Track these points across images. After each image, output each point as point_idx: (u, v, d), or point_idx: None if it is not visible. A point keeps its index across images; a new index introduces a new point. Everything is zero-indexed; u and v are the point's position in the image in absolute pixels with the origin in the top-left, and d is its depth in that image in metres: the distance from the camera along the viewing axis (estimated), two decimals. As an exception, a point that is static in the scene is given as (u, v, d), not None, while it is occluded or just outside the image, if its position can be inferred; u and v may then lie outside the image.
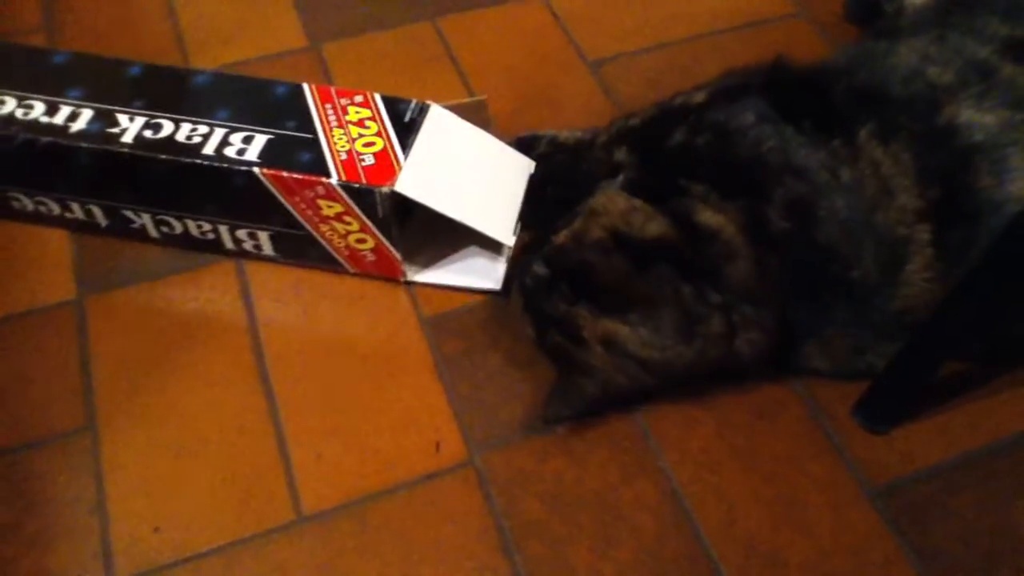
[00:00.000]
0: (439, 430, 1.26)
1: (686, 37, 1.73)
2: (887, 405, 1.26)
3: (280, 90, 1.43)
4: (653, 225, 1.16)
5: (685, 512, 1.19)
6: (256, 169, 1.31)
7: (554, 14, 1.79)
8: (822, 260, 1.16)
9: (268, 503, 1.19)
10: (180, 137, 1.35)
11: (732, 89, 1.26)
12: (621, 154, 1.28)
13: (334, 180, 1.29)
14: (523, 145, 1.42)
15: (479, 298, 1.39)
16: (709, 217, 1.14)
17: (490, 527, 1.17)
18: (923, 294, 1.15)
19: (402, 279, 1.42)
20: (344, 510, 1.19)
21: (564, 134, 1.44)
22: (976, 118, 1.15)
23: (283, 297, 1.39)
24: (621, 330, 1.17)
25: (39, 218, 1.47)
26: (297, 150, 1.33)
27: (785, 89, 1.23)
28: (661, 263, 1.15)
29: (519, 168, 1.43)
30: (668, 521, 1.18)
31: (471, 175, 1.37)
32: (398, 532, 1.17)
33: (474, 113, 1.45)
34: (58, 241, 1.45)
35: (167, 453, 1.23)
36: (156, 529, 1.16)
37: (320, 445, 1.24)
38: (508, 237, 1.34)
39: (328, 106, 1.39)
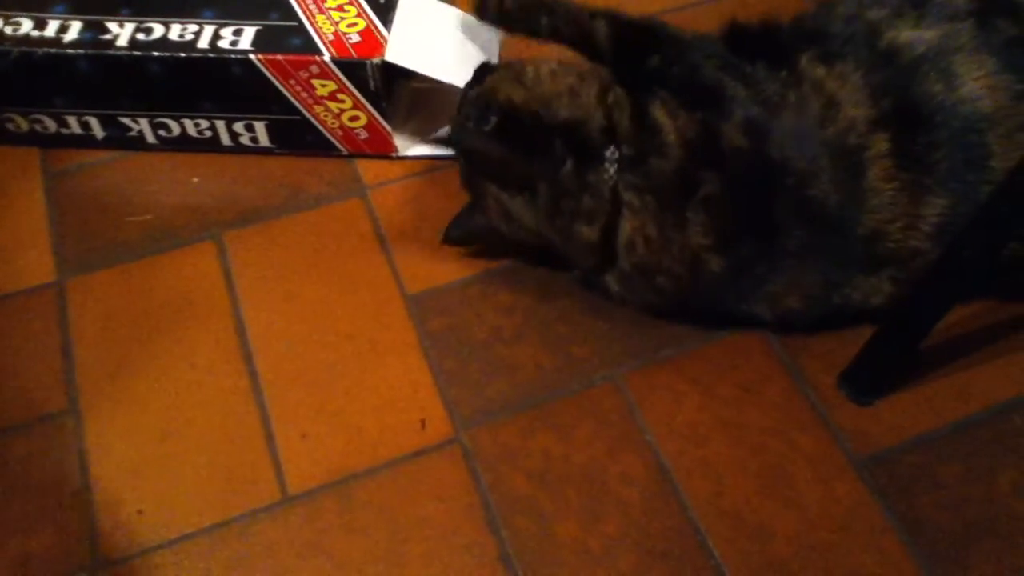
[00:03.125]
0: (424, 407, 1.14)
1: (671, 7, 1.52)
2: (872, 376, 1.14)
3: None
4: (562, 109, 1.10)
5: (672, 485, 1.07)
6: (252, 56, 1.23)
7: None
8: (776, 176, 1.06)
9: (253, 483, 1.07)
10: (173, 36, 1.25)
11: (713, 40, 1.16)
12: (601, 31, 1.15)
13: (327, 57, 1.22)
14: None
15: (464, 274, 1.25)
16: (661, 115, 1.06)
17: (476, 504, 1.06)
18: (891, 209, 1.05)
19: (394, 154, 1.34)
20: (329, 489, 1.07)
21: None
22: (916, 35, 1.08)
23: (265, 276, 1.25)
24: (502, 195, 1.14)
25: (35, 138, 1.34)
26: (286, 36, 1.25)
27: (743, 38, 1.15)
28: (553, 141, 1.09)
29: (486, 37, 1.35)
30: (655, 495, 1.07)
31: (447, 44, 1.31)
32: (384, 510, 1.06)
33: None
34: (37, 222, 1.30)
35: (151, 435, 1.11)
36: (140, 512, 1.05)
37: (305, 424, 1.12)
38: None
39: None
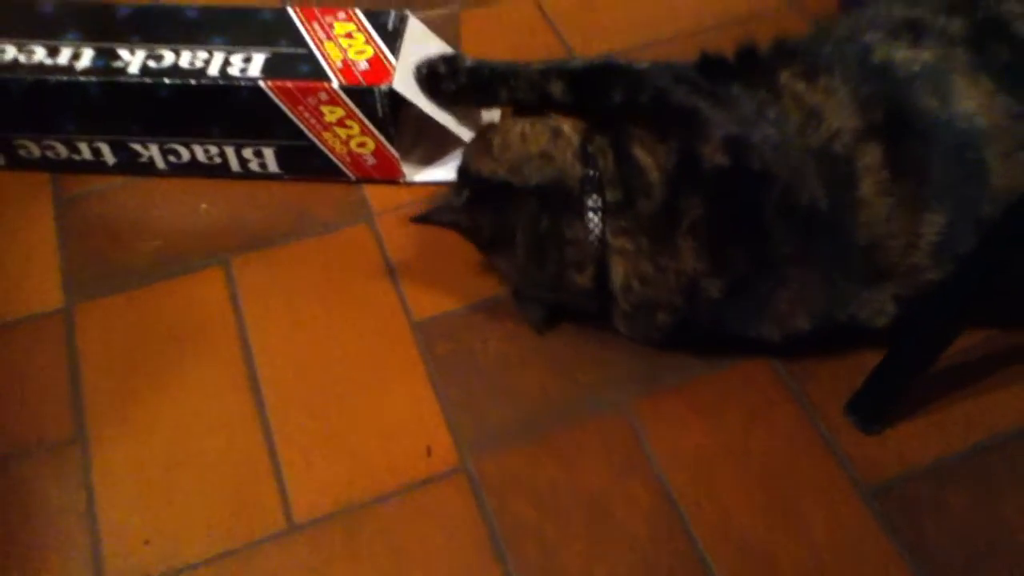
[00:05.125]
0: (430, 435, 1.11)
1: (673, 34, 1.53)
2: (879, 404, 1.11)
3: (266, 15, 1.32)
4: (537, 174, 1.08)
5: (678, 514, 1.05)
6: (261, 82, 1.22)
7: (543, 11, 1.59)
8: (762, 189, 1.04)
9: (259, 512, 1.05)
10: (183, 63, 1.25)
11: (674, 65, 1.15)
12: (557, 89, 1.13)
13: (335, 84, 1.21)
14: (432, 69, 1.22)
15: (469, 300, 1.23)
16: (641, 154, 1.04)
17: (482, 532, 1.04)
18: (887, 219, 1.03)
19: (401, 180, 1.32)
20: (335, 518, 1.05)
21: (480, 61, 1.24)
22: (912, 54, 1.07)
23: (272, 302, 1.23)
24: (496, 260, 1.16)
25: (46, 164, 1.33)
26: (295, 64, 1.24)
27: (716, 64, 1.14)
28: (525, 202, 1.08)
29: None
30: (661, 523, 1.04)
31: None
32: (390, 539, 1.03)
33: (446, 24, 1.46)
34: (46, 248, 1.27)
35: (157, 463, 1.09)
36: (146, 541, 1.03)
37: (311, 452, 1.10)
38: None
39: (315, 24, 1.30)
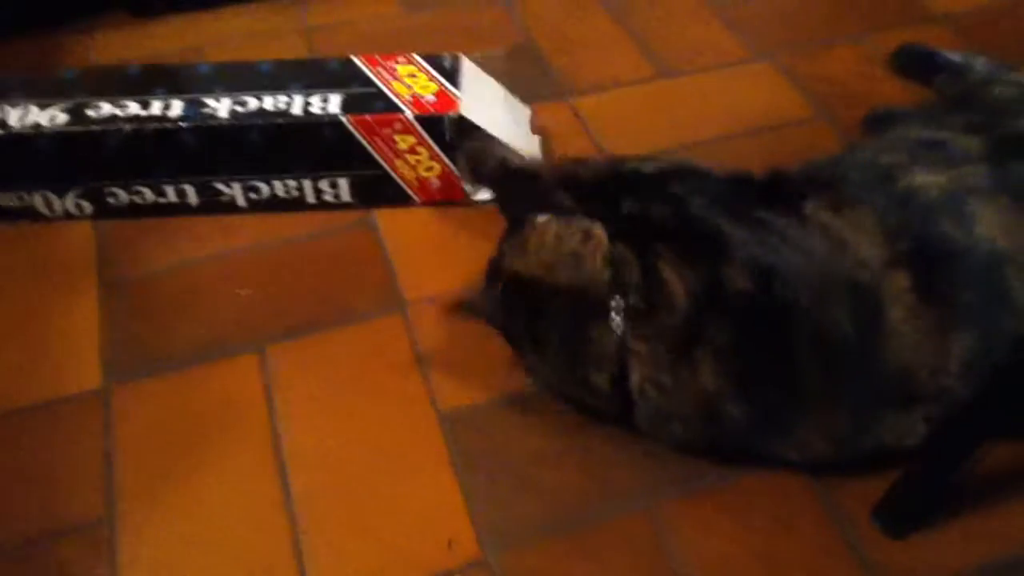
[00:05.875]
0: (453, 527, 1.09)
1: (707, 139, 1.53)
2: (905, 511, 1.09)
3: (333, 64, 1.46)
4: (567, 276, 1.10)
5: None
6: (342, 117, 1.35)
7: (577, 115, 1.60)
8: (788, 318, 1.04)
9: None
10: (268, 106, 1.37)
11: (683, 170, 1.18)
12: (567, 201, 1.17)
13: (409, 114, 1.34)
14: (474, 154, 1.36)
15: (497, 394, 1.21)
16: (667, 272, 1.05)
17: None
18: (916, 346, 1.03)
19: (464, 199, 1.43)
20: None
21: (514, 158, 1.35)
22: (930, 180, 1.09)
23: (304, 390, 1.22)
24: (523, 354, 1.17)
25: (133, 210, 1.41)
26: (369, 101, 1.37)
27: (748, 185, 1.17)
28: (555, 303, 1.10)
29: (523, 111, 1.54)
30: None
31: (501, 111, 1.46)
32: None
33: (494, 63, 1.56)
34: (87, 329, 1.29)
35: (183, 546, 1.08)
36: None
37: (334, 540, 1.08)
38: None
39: (379, 68, 1.43)
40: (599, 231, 1.11)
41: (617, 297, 1.07)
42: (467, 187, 1.41)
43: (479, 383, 1.23)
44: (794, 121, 1.58)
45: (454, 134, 1.36)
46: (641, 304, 1.06)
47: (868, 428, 1.06)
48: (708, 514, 1.10)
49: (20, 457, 1.16)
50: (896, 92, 1.55)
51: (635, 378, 1.07)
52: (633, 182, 1.17)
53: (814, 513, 1.10)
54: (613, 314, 1.07)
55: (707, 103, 1.59)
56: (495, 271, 1.17)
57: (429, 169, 1.39)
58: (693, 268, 1.05)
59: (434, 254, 1.37)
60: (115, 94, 1.38)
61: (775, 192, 1.14)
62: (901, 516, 1.08)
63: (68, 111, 1.35)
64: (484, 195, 1.42)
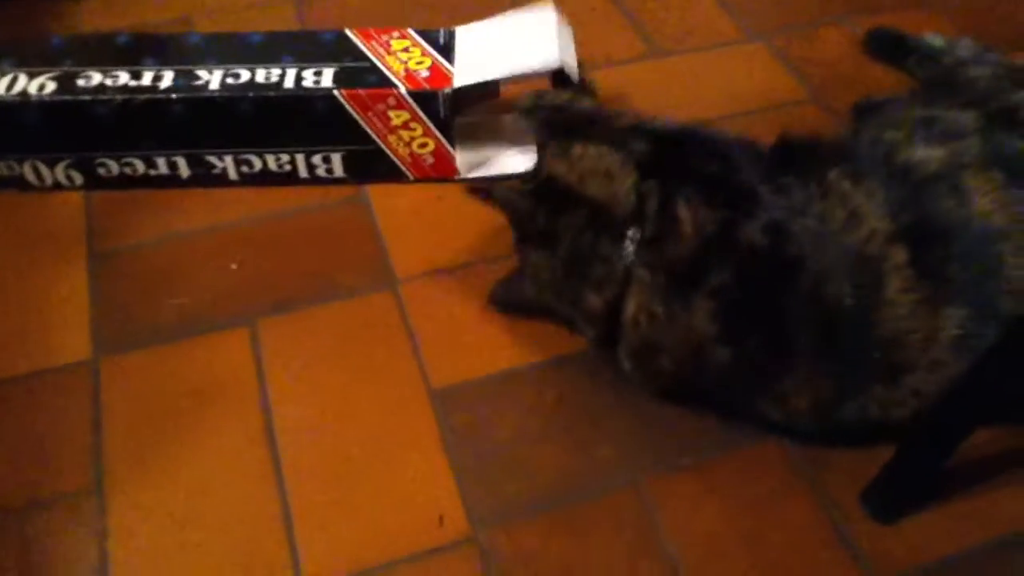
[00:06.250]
0: (443, 504, 1.10)
1: (700, 119, 1.44)
2: (894, 495, 1.10)
3: (327, 36, 1.44)
4: (594, 186, 1.14)
5: None
6: (335, 91, 1.33)
7: None
8: (792, 275, 1.07)
9: (270, 573, 1.04)
10: (259, 79, 1.35)
11: (754, 144, 1.22)
12: (640, 146, 1.18)
13: (402, 89, 1.33)
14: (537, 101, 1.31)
15: (488, 371, 1.22)
16: (683, 209, 1.08)
17: None
18: (910, 316, 1.05)
19: (457, 176, 1.42)
20: None
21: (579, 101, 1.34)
22: (927, 153, 1.13)
23: (295, 365, 1.22)
24: (531, 252, 1.20)
25: (124, 182, 1.39)
26: (362, 75, 1.36)
27: (787, 149, 1.20)
28: (580, 211, 1.14)
29: (541, 18, 1.45)
30: None
31: (506, 47, 1.41)
32: None
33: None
34: (77, 301, 1.28)
35: (172, 518, 1.08)
36: None
37: (324, 515, 1.09)
38: (554, 62, 1.36)
39: (373, 42, 1.42)
40: (634, 165, 1.15)
41: (634, 228, 1.11)
42: (460, 165, 1.41)
43: (470, 361, 1.23)
44: (787, 103, 1.60)
45: (448, 111, 1.35)
46: (651, 234, 1.10)
47: (854, 396, 1.08)
48: (695, 492, 1.12)
49: (7, 428, 1.16)
50: (888, 76, 1.57)
51: (631, 306, 1.11)
52: (703, 143, 1.20)
53: (801, 495, 1.11)
54: (627, 242, 1.11)
55: (700, 83, 1.61)
56: (534, 171, 1.21)
57: (423, 146, 1.38)
58: (711, 211, 1.08)
59: (426, 231, 1.38)
60: (105, 63, 1.37)
61: (807, 160, 1.17)
62: (890, 500, 1.09)
63: (57, 80, 1.33)
64: (477, 172, 1.42)
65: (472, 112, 1.39)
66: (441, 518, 1.09)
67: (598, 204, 1.14)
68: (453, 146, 1.39)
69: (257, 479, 1.12)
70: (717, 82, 1.61)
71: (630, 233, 1.11)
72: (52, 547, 1.06)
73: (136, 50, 1.40)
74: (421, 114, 1.35)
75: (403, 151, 1.39)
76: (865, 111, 1.40)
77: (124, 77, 1.34)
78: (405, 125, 1.36)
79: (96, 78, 1.34)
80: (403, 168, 1.41)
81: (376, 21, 1.49)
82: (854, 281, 1.06)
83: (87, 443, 1.14)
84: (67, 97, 1.32)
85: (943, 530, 1.08)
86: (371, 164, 1.40)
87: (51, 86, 1.32)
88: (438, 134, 1.37)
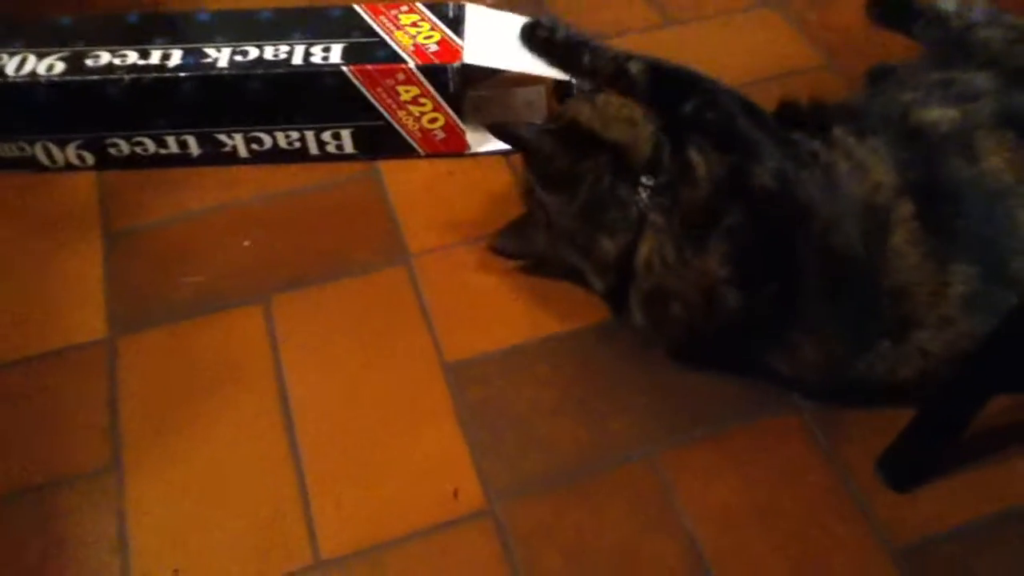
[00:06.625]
0: (458, 477, 1.11)
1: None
2: (911, 463, 1.09)
3: (335, 12, 1.44)
4: (616, 131, 1.16)
5: (705, 569, 1.03)
6: (344, 67, 1.33)
7: None
8: (802, 220, 1.07)
9: (287, 548, 1.05)
10: (268, 56, 1.35)
11: (744, 98, 1.20)
12: (636, 68, 1.21)
13: (411, 64, 1.33)
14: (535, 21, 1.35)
15: (503, 345, 1.22)
16: (695, 155, 1.09)
17: None
18: (916, 269, 1.05)
19: (467, 151, 1.42)
20: (362, 556, 1.04)
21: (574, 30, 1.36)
22: (940, 114, 1.13)
23: (309, 341, 1.23)
24: (544, 194, 1.19)
25: (135, 161, 1.40)
26: (371, 50, 1.36)
27: (791, 110, 1.21)
28: (601, 155, 1.15)
29: None
30: None
31: (513, 44, 1.37)
32: None
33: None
34: (93, 280, 1.29)
35: (190, 495, 1.09)
36: (175, 571, 1.03)
37: (340, 490, 1.09)
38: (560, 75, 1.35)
39: (381, 17, 1.41)
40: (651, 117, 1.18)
41: (648, 175, 1.12)
42: (470, 139, 1.40)
43: (483, 335, 1.23)
44: (803, 69, 1.59)
45: (458, 84, 1.34)
46: (665, 180, 1.11)
47: (862, 350, 1.09)
48: (709, 464, 1.12)
49: (25, 407, 1.17)
50: (903, 43, 1.52)
51: (644, 250, 1.12)
52: (699, 85, 1.19)
53: (817, 465, 1.11)
54: (642, 189, 1.12)
55: (715, 52, 1.59)
56: (557, 115, 1.24)
57: (433, 120, 1.38)
58: (721, 156, 1.08)
59: (438, 206, 1.37)
60: (114, 43, 1.37)
61: (814, 119, 1.17)
62: (906, 469, 1.09)
63: (66, 60, 1.33)
64: (486, 147, 1.42)
65: (482, 86, 1.36)
66: (456, 492, 1.09)
67: (620, 148, 1.15)
68: (463, 120, 1.38)
69: (273, 455, 1.12)
70: (732, 50, 1.59)
71: (644, 179, 1.12)
72: (71, 525, 1.07)
73: (145, 29, 1.41)
74: (431, 89, 1.34)
75: (413, 126, 1.38)
76: (879, 76, 1.40)
77: (133, 56, 1.34)
78: (415, 100, 1.35)
79: (105, 57, 1.34)
80: (413, 143, 1.40)
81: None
82: (861, 229, 1.07)
83: (104, 422, 1.15)
84: (76, 77, 1.32)
85: (959, 500, 1.08)
86: (381, 140, 1.40)
87: (60, 66, 1.33)
88: (448, 109, 1.37)
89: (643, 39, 1.60)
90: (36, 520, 1.07)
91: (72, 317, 1.25)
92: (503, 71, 1.38)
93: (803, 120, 1.18)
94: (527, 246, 1.26)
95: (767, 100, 1.17)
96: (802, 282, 1.07)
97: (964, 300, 1.04)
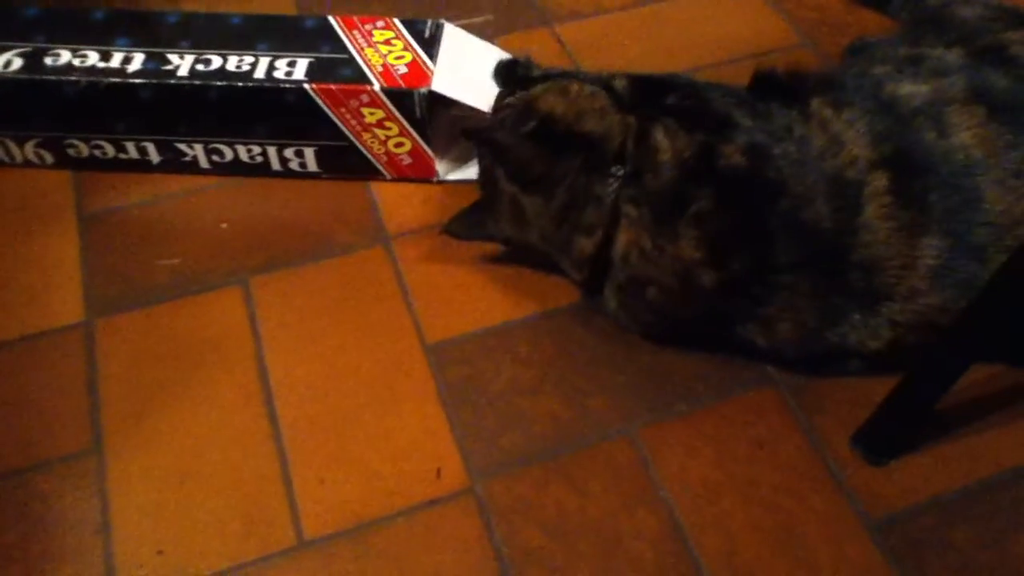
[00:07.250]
0: (440, 456, 1.11)
1: (692, 66, 1.54)
2: (887, 436, 1.11)
3: (308, 23, 1.40)
4: (591, 123, 1.15)
5: (684, 542, 1.05)
6: (306, 84, 1.29)
7: (561, 42, 1.61)
8: (772, 196, 1.08)
9: (270, 528, 1.06)
10: (230, 67, 1.31)
11: (732, 88, 1.22)
12: (620, 84, 1.20)
13: (377, 86, 1.29)
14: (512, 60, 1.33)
15: (483, 324, 1.23)
16: (660, 137, 1.10)
17: (489, 555, 1.04)
18: (886, 243, 1.07)
19: (435, 179, 1.38)
20: (345, 535, 1.05)
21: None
22: (913, 88, 1.15)
23: (289, 322, 1.23)
24: (520, 195, 1.17)
25: (93, 163, 1.37)
26: (338, 67, 1.32)
27: (767, 80, 1.22)
28: (577, 152, 1.14)
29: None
30: (668, 551, 1.04)
31: (485, 76, 1.34)
32: (398, 558, 1.04)
33: (479, 30, 1.48)
34: (69, 263, 1.29)
35: (172, 476, 1.09)
36: (159, 552, 1.04)
37: (322, 470, 1.10)
38: None
39: (355, 32, 1.37)
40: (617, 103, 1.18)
41: (618, 166, 1.12)
42: (439, 167, 1.37)
43: (464, 316, 1.24)
44: (779, 48, 1.61)
45: (424, 110, 1.30)
46: (632, 169, 1.12)
47: (834, 322, 1.11)
48: (687, 439, 1.14)
49: (5, 391, 1.16)
50: (879, 21, 1.58)
51: (621, 243, 1.12)
52: (680, 85, 1.21)
53: (794, 439, 1.14)
54: (611, 180, 1.12)
55: (690, 30, 1.62)
56: (526, 110, 1.18)
57: (399, 145, 1.34)
58: (688, 136, 1.10)
59: (417, 187, 1.38)
60: (77, 40, 1.34)
61: (790, 89, 1.19)
62: (882, 442, 1.11)
63: (24, 56, 1.31)
64: (455, 175, 1.39)
65: (457, 107, 1.34)
66: (439, 470, 1.10)
67: (594, 141, 1.14)
68: (431, 147, 1.35)
69: (255, 435, 1.13)
70: (707, 28, 1.61)
71: (613, 170, 1.12)
72: (53, 508, 1.07)
73: (110, 27, 1.38)
74: (396, 113, 1.31)
75: (379, 150, 1.35)
76: (858, 51, 1.43)
77: (94, 57, 1.32)
78: (380, 123, 1.32)
79: (64, 57, 1.31)
80: (379, 167, 1.37)
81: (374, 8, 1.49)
82: (833, 205, 1.08)
83: (85, 404, 1.15)
84: (34, 76, 1.30)
85: (933, 471, 1.10)
86: (346, 161, 1.37)
87: (17, 63, 1.30)
88: (415, 134, 1.33)
89: (621, 17, 1.64)
90: (17, 503, 1.07)
91: (49, 301, 1.25)
92: (470, 106, 1.33)
93: (780, 89, 1.20)
94: (478, 231, 1.26)
95: (744, 79, 1.20)
96: (774, 256, 1.08)
97: (932, 272, 1.07)
